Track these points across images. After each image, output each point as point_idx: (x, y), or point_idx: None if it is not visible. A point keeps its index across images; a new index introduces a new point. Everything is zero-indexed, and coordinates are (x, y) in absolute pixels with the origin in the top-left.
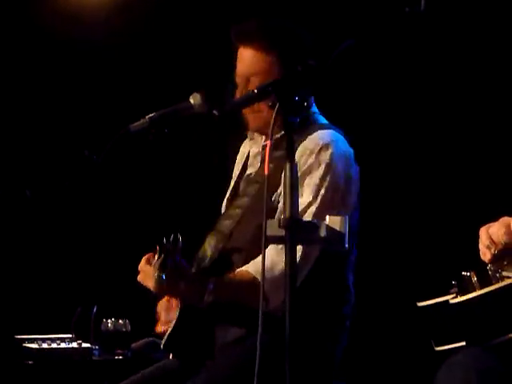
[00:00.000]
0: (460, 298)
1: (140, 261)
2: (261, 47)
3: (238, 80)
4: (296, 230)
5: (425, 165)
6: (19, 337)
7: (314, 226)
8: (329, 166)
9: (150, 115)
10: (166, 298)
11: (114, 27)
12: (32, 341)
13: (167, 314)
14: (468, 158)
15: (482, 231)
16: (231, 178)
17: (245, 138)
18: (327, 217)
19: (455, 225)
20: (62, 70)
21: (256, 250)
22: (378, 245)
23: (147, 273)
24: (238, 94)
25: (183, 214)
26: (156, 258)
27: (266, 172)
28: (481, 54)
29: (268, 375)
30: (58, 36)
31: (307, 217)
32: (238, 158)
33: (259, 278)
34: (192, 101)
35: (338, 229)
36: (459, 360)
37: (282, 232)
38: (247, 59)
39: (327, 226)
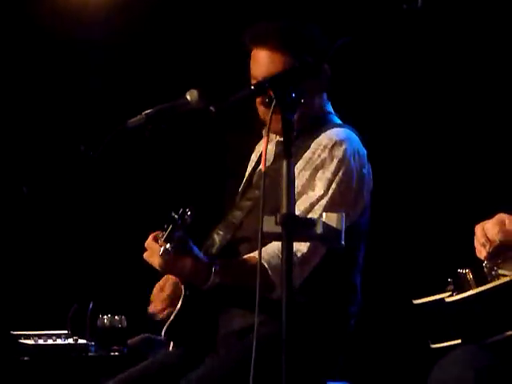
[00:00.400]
0: (456, 297)
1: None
2: (275, 48)
3: (255, 82)
4: (292, 227)
5: (420, 163)
6: (15, 333)
7: (310, 222)
8: (342, 162)
9: (147, 111)
10: (164, 285)
11: (109, 23)
12: (28, 337)
13: (161, 293)
14: (463, 155)
15: (478, 228)
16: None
17: (250, 134)
18: (324, 213)
19: (451, 222)
20: (58, 67)
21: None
22: (374, 242)
23: (154, 249)
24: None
25: (179, 209)
26: (163, 232)
27: (263, 169)
28: (479, 50)
29: (270, 370)
30: (54, 31)
31: (317, 210)
32: (252, 156)
33: (266, 264)
34: (188, 97)
35: (334, 225)
36: (455, 358)
37: (278, 228)
38: (263, 60)
39: (324, 222)
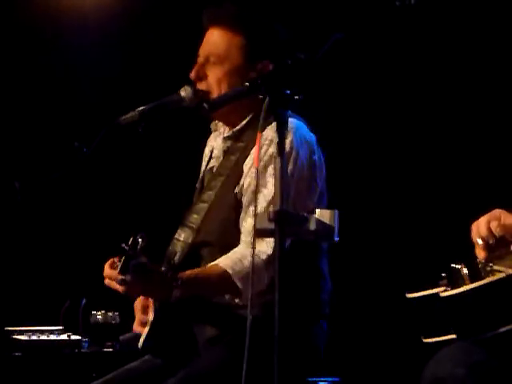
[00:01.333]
0: (450, 292)
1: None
2: (228, 29)
3: (199, 60)
4: (285, 223)
5: (414, 157)
6: (8, 328)
7: (303, 218)
8: (289, 154)
9: (140, 108)
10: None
11: (103, 19)
12: (21, 333)
13: (143, 313)
14: (457, 150)
15: (474, 225)
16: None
17: (208, 130)
18: (317, 210)
19: (445, 217)
20: (51, 63)
21: (225, 243)
22: (367, 237)
23: (112, 277)
24: (192, 73)
25: (173, 205)
26: (118, 261)
27: (256, 165)
28: (472, 47)
29: (250, 372)
30: (46, 29)
31: (275, 207)
32: (205, 151)
33: (230, 271)
34: (182, 94)
35: (327, 222)
36: (448, 354)
37: (271, 225)
38: (212, 39)
39: (317, 219)
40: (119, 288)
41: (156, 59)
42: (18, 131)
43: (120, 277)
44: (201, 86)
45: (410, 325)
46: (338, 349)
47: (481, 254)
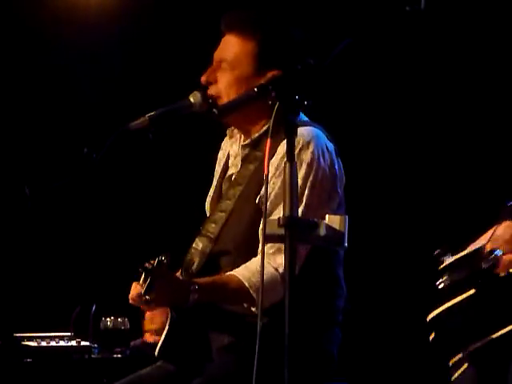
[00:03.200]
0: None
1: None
2: (242, 34)
3: (212, 65)
4: (295, 229)
5: (426, 165)
6: (18, 335)
7: (313, 224)
8: (311, 165)
9: (150, 113)
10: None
11: (114, 24)
12: (31, 339)
13: (151, 323)
14: (467, 158)
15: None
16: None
17: (223, 135)
18: (327, 215)
19: (456, 223)
20: (61, 68)
21: (244, 252)
22: (373, 241)
23: (137, 300)
24: (203, 77)
25: (182, 212)
26: (142, 282)
27: (266, 172)
28: (481, 52)
29: (264, 380)
30: (58, 34)
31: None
32: (219, 155)
33: (246, 283)
34: (192, 99)
35: (337, 228)
36: None
37: (281, 231)
38: (226, 45)
39: (327, 224)
40: (145, 307)
41: (166, 65)
42: (28, 138)
43: (145, 298)
44: (211, 90)
45: (415, 330)
46: (343, 351)
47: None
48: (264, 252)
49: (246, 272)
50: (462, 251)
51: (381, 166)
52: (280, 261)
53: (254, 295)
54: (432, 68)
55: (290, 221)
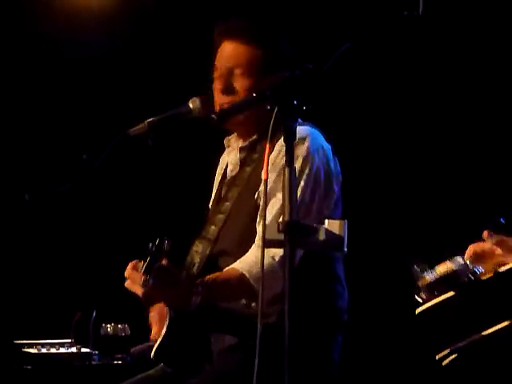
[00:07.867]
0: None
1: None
2: (247, 40)
3: (219, 73)
4: (295, 234)
5: (426, 169)
6: (18, 342)
7: (313, 229)
8: (306, 159)
9: (149, 120)
10: (156, 308)
11: (113, 30)
12: (31, 346)
13: (158, 325)
14: (469, 162)
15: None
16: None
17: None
18: (326, 220)
19: (459, 225)
20: (60, 75)
21: (244, 251)
22: (370, 244)
23: (134, 279)
24: (217, 86)
25: (182, 216)
26: (142, 262)
27: (265, 177)
28: (479, 57)
29: (266, 379)
30: (58, 40)
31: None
32: (218, 170)
33: (247, 274)
34: (191, 105)
35: (337, 232)
36: None
37: (281, 236)
38: (231, 51)
39: (326, 229)
40: (139, 291)
41: (165, 71)
42: (28, 144)
43: (143, 277)
44: (227, 98)
45: (415, 331)
46: (345, 354)
47: None
48: (264, 247)
49: (244, 264)
50: (438, 264)
51: (381, 166)
52: (274, 250)
53: (255, 285)
54: (430, 72)
55: (289, 226)
